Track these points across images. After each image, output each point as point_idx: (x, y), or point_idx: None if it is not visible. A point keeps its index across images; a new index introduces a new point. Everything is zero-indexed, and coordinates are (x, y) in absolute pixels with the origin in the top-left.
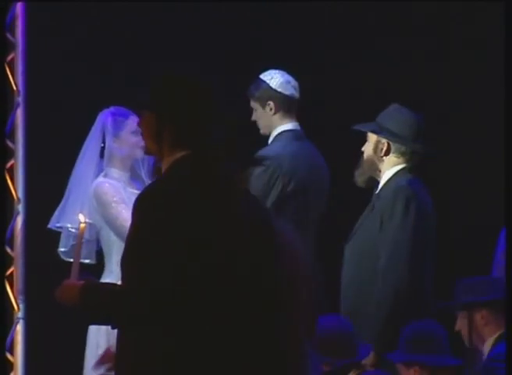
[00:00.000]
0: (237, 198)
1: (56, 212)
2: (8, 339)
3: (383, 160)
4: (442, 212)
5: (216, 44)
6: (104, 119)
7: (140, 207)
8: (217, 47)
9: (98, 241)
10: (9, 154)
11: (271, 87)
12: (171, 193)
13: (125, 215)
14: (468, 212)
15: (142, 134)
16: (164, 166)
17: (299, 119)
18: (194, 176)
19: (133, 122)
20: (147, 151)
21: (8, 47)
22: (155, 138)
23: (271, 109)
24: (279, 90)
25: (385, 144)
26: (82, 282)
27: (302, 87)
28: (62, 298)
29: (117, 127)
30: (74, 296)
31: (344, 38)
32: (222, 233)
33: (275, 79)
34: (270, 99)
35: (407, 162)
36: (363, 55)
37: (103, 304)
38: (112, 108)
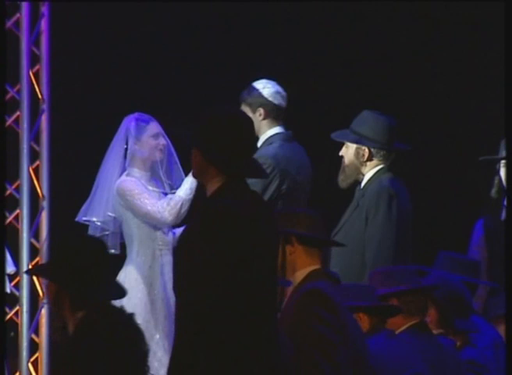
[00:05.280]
0: (265, 217)
1: (83, 207)
2: (34, 322)
3: (366, 165)
4: (416, 205)
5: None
6: (128, 123)
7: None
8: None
9: (122, 234)
10: (35, 156)
11: (262, 96)
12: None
13: (148, 202)
14: (441, 205)
15: (192, 164)
16: (209, 190)
17: (291, 121)
18: (238, 199)
19: (153, 127)
20: (194, 177)
21: (34, 59)
22: (201, 170)
23: (260, 115)
24: (270, 99)
25: (366, 151)
26: None
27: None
28: None
29: (139, 131)
30: None
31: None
32: (257, 246)
33: (267, 88)
34: (261, 106)
35: (385, 162)
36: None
37: None
38: (136, 114)
